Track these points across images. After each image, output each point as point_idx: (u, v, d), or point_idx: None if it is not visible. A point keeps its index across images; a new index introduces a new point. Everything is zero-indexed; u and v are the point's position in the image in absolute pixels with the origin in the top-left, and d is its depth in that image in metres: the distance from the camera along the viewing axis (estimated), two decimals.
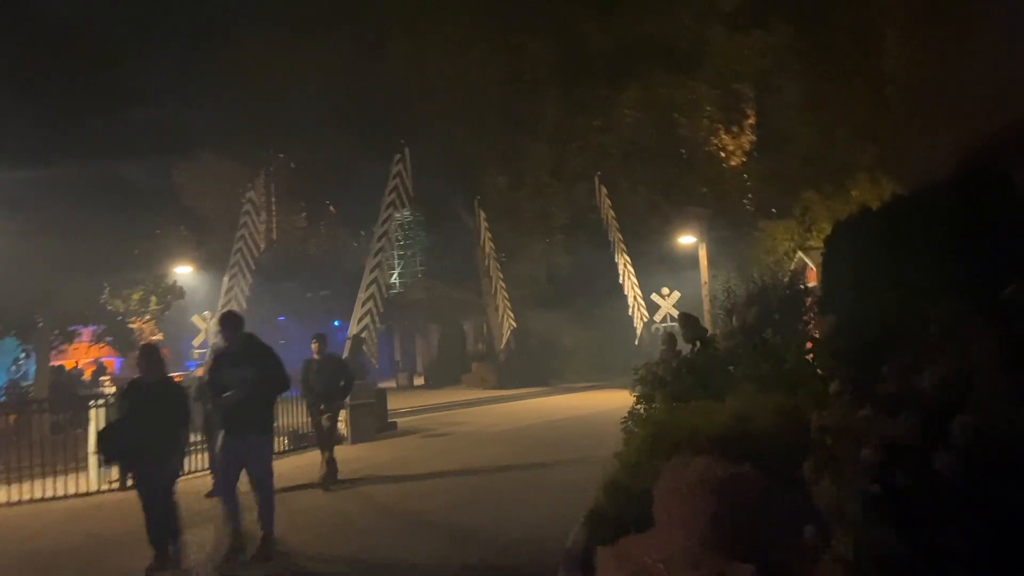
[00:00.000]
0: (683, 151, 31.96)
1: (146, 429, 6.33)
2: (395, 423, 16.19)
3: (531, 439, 13.52)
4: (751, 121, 33.05)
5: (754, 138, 32.69)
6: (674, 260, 26.17)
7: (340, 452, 13.31)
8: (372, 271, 16.08)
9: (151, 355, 6.91)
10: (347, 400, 14.38)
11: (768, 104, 32.01)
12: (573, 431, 14.06)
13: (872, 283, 7.59)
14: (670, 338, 8.59)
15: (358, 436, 14.37)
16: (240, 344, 6.88)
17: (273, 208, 41.40)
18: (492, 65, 26.91)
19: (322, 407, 10.13)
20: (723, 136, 31.95)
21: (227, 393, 6.68)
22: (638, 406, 8.50)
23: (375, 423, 15.12)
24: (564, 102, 28.49)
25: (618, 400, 19.68)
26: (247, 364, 6.71)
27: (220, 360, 6.98)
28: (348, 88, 27.96)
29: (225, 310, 13.89)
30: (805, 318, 8.53)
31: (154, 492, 6.52)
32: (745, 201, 30.07)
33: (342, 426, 14.51)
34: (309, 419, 11.70)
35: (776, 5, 29.24)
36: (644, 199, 28.70)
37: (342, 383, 10.34)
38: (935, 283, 7.66)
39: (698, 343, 7.75)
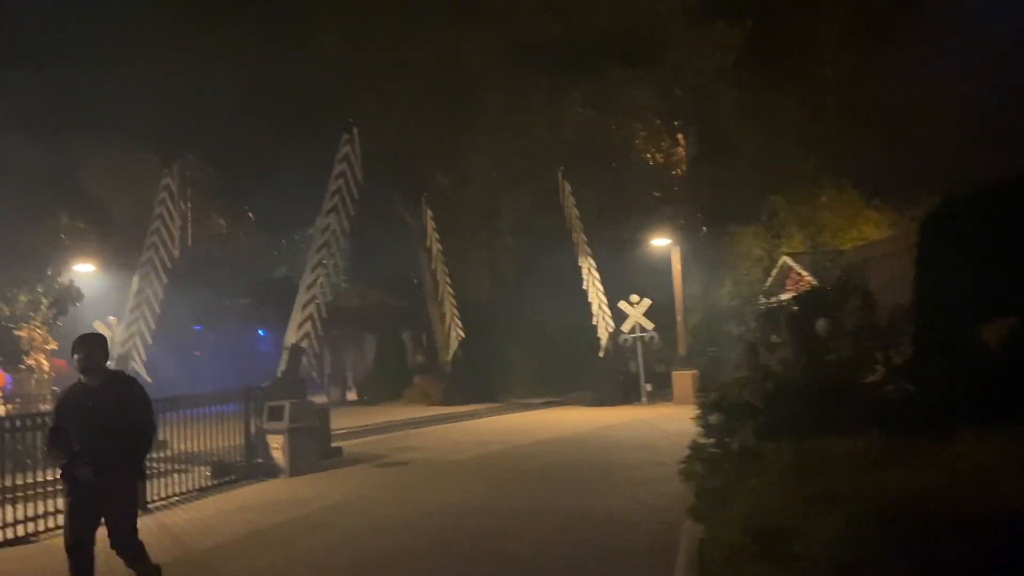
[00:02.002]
0: (627, 156, 30.77)
1: None
2: (340, 448, 13.73)
3: (512, 471, 11.29)
4: (693, 127, 32.73)
5: (698, 144, 32.34)
6: (624, 267, 24.48)
7: (278, 488, 10.91)
8: (314, 269, 13.58)
9: None
10: (286, 423, 11.95)
11: (713, 110, 31.75)
12: (560, 461, 11.92)
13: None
14: (751, 348, 6.57)
15: (298, 467, 11.88)
16: None
17: (189, 210, 38.08)
18: (433, 51, 24.73)
19: (94, 471, 5.01)
20: (667, 140, 31.01)
21: None
22: (706, 440, 6.45)
23: (318, 450, 12.65)
24: (510, 95, 26.49)
25: (589, 419, 17.74)
26: None
27: None
28: (274, 76, 25.36)
29: None
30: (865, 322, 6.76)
31: None
32: (699, 215, 28.74)
33: (278, 455, 12.03)
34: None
35: (726, 7, 28.36)
36: (594, 203, 26.98)
37: (137, 433, 5.34)
38: None
39: (803, 355, 5.75)
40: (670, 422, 16.29)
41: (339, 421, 17.91)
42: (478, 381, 23.87)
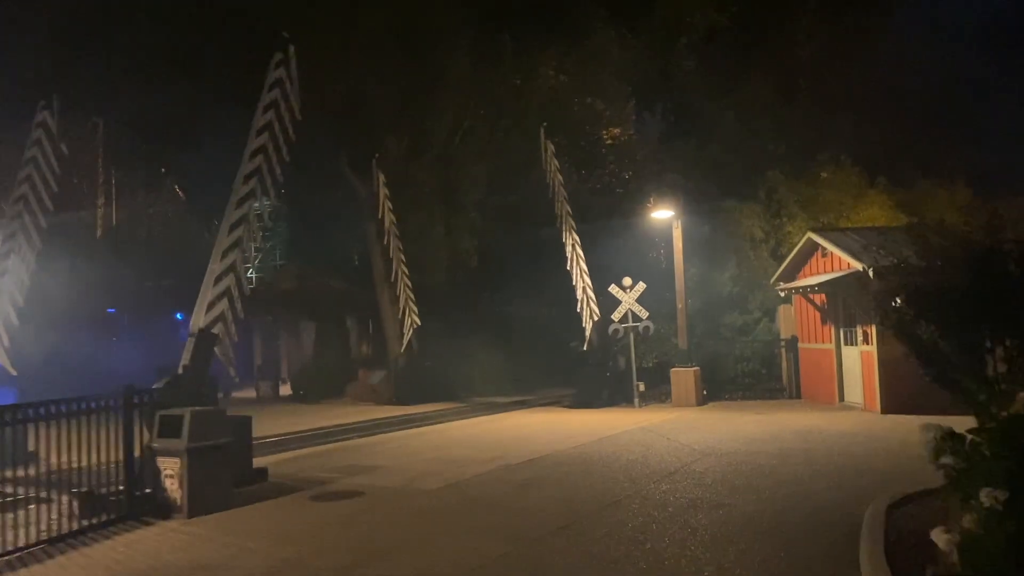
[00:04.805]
0: (599, 128, 28.20)
1: None
2: (265, 470, 10.21)
3: (516, 516, 7.88)
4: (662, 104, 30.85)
5: (667, 123, 30.34)
6: (603, 249, 21.60)
7: (168, 540, 7.18)
8: (232, 230, 9.98)
9: None
10: (185, 441, 8.45)
11: (687, 86, 29.77)
12: (574, 496, 8.55)
13: None
14: None
15: (201, 502, 8.37)
16: None
17: (113, 184, 34.15)
18: None
19: None
20: (636, 116, 28.72)
21: None
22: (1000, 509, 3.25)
23: (232, 474, 9.14)
24: (476, 53, 23.06)
25: (579, 426, 14.25)
26: None
27: None
28: (200, 21, 21.55)
29: None
30: None
31: None
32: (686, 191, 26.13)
33: (173, 485, 8.51)
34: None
35: None
36: (566, 178, 23.92)
37: None
38: None
39: None
40: (683, 432, 13.20)
41: (268, 424, 14.45)
42: (435, 377, 20.50)
